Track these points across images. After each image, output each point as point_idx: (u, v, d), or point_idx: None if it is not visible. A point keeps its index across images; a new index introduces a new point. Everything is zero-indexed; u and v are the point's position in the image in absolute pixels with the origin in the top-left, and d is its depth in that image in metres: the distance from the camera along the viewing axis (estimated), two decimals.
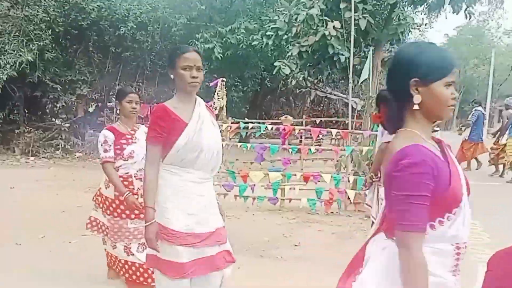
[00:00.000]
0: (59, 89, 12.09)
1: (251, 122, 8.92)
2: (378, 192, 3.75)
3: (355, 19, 7.39)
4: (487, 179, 10.26)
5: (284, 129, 6.17)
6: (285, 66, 7.31)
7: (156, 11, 11.69)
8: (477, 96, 31.01)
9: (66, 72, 12.33)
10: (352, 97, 18.95)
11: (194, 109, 2.34)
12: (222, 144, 7.57)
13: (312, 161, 8.00)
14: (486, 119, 16.78)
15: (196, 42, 11.03)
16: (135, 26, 11.31)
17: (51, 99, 13.13)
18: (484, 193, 8.53)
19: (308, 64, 8.15)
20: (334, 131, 6.36)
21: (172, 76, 2.31)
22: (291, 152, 6.41)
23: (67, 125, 13.20)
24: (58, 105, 13.51)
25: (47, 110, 14.65)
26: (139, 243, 3.44)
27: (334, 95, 17.60)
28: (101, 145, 3.33)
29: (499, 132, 10.82)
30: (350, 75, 6.50)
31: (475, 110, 11.66)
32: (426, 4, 7.82)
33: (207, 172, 2.37)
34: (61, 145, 12.36)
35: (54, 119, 14.22)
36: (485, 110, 14.84)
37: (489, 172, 10.84)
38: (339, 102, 24.24)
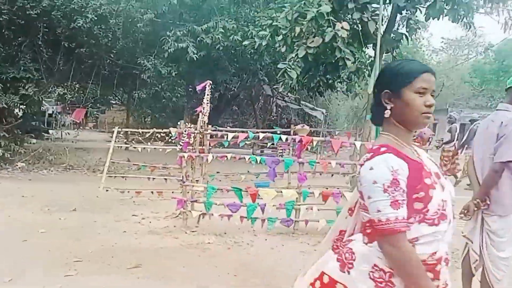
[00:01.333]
0: None
1: (235, 131, 8.01)
2: (482, 222, 3.08)
3: (362, 21, 6.84)
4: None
5: (300, 141, 5.37)
6: (291, 69, 6.53)
7: (118, 3, 10.41)
8: None
9: (8, 68, 10.61)
10: (317, 108, 18.73)
11: None
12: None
13: (320, 174, 7.27)
14: None
15: (168, 39, 9.91)
16: (95, 18, 9.94)
17: None
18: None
19: (309, 67, 7.43)
20: (358, 143, 5.68)
21: None
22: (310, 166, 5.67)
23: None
24: None
25: None
26: None
27: (300, 105, 17.01)
28: (382, 190, 1.39)
29: (458, 144, 10.78)
30: (371, 81, 5.87)
31: None
32: (426, 11, 7.46)
33: None
34: None
35: None
36: None
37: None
38: (292, 112, 23.79)
